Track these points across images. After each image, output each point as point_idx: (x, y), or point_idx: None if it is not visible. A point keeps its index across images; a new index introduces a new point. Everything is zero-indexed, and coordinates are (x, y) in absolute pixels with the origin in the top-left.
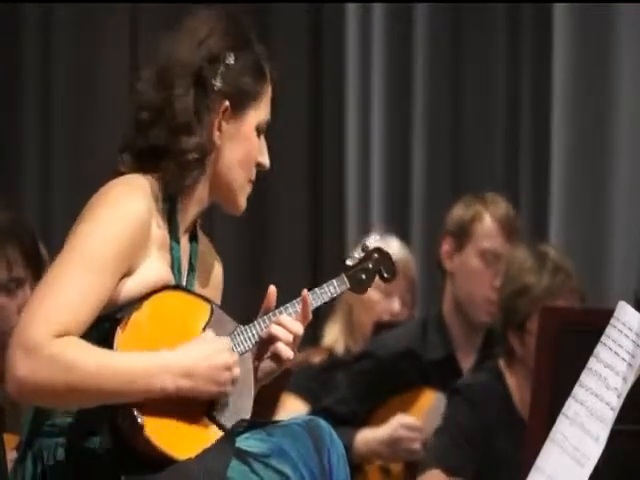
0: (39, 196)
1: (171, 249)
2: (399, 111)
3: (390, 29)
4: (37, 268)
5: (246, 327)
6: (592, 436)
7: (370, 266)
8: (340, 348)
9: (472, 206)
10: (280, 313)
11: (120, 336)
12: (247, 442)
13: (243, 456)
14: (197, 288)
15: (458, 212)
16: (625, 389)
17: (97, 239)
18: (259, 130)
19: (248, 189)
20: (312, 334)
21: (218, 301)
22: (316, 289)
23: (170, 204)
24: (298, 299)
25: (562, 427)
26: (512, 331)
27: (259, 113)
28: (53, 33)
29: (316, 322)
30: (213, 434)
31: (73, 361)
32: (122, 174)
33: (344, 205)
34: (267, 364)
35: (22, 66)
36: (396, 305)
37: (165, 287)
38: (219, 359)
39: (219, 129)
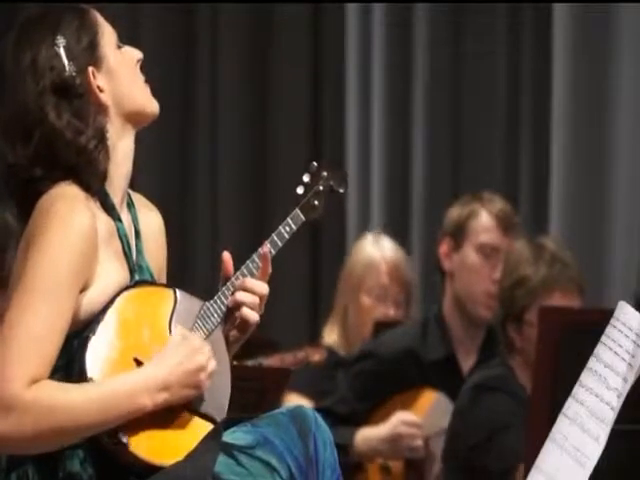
0: None
1: (117, 231)
2: (399, 111)
3: (390, 29)
4: None
5: (211, 302)
6: (592, 436)
7: (321, 188)
8: (339, 350)
9: (468, 205)
10: (242, 276)
11: (89, 358)
12: (232, 435)
13: (229, 449)
14: (146, 251)
15: (454, 212)
16: (625, 389)
17: (49, 267)
18: (118, 46)
19: (148, 90)
20: (311, 333)
21: (164, 253)
22: (273, 234)
23: (100, 192)
24: (254, 255)
25: (562, 427)
26: (510, 323)
27: (107, 38)
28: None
29: (316, 321)
30: (197, 426)
31: (53, 405)
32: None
33: (344, 205)
34: (234, 331)
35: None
36: (390, 310)
37: (124, 288)
38: (192, 363)
39: (101, 90)
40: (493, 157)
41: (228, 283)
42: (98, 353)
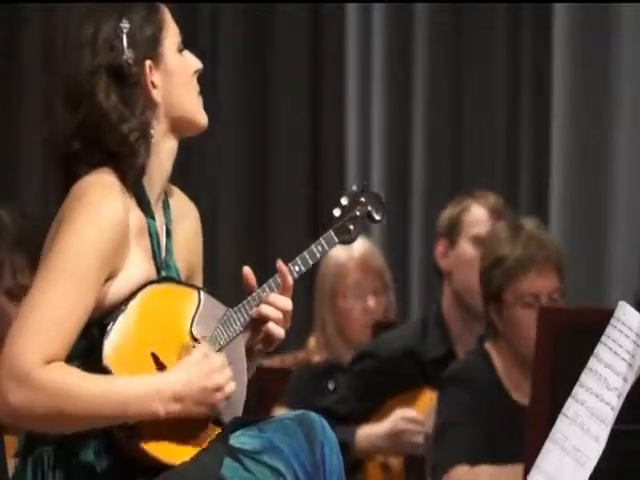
0: (39, 197)
1: (149, 228)
2: (399, 110)
3: (390, 29)
4: None
5: (235, 309)
6: (592, 436)
7: (358, 213)
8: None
9: (460, 203)
10: (269, 289)
11: (107, 345)
12: (239, 439)
13: (235, 453)
14: (176, 251)
15: (447, 212)
16: (625, 389)
17: (77, 250)
18: (179, 49)
19: (200, 101)
20: (311, 334)
21: (200, 249)
22: (304, 252)
23: (137, 186)
24: (279, 272)
25: (562, 427)
26: (490, 305)
27: (171, 39)
28: (53, 34)
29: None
30: (209, 430)
31: (66, 389)
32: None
33: None
34: (259, 344)
35: (22, 66)
36: (370, 302)
37: (149, 282)
38: (211, 382)
39: (154, 87)
40: (493, 157)
41: (254, 294)
42: (116, 342)
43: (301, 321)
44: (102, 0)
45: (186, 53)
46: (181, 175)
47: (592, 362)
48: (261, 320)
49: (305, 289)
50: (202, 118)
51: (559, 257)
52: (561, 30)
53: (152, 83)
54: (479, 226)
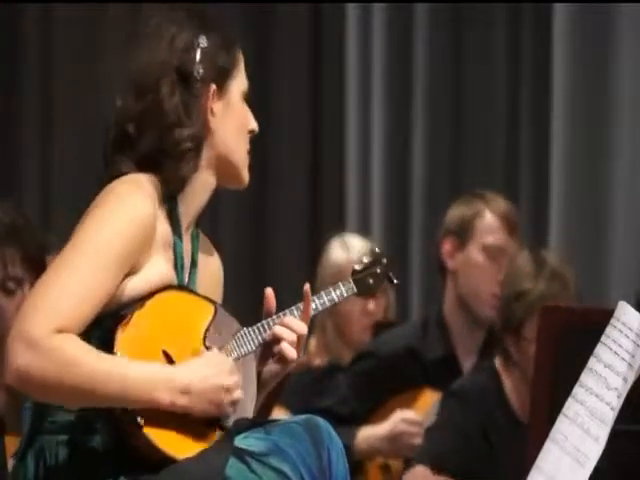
0: (39, 197)
1: (174, 246)
2: (399, 111)
3: (390, 29)
4: (39, 273)
5: (250, 329)
6: (592, 436)
7: (378, 271)
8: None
9: (472, 204)
10: (284, 315)
11: (120, 335)
12: (246, 441)
13: (241, 455)
14: (199, 284)
15: (458, 211)
16: (625, 389)
17: (103, 236)
18: (244, 98)
19: (247, 160)
20: (311, 334)
21: (219, 297)
22: (322, 292)
23: (171, 202)
24: (298, 304)
25: (562, 427)
26: (509, 335)
27: (240, 81)
28: (54, 32)
29: (315, 322)
30: (214, 435)
31: (71, 359)
32: (121, 175)
33: (344, 205)
34: (272, 366)
35: (22, 66)
36: (370, 304)
37: (168, 287)
38: (219, 380)
39: (212, 113)
40: (493, 157)
41: (269, 319)
42: (130, 334)
43: None
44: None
45: (248, 109)
46: None
47: (592, 362)
48: (274, 342)
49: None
50: (245, 175)
51: (579, 296)
52: (561, 30)
53: (211, 109)
54: (492, 236)
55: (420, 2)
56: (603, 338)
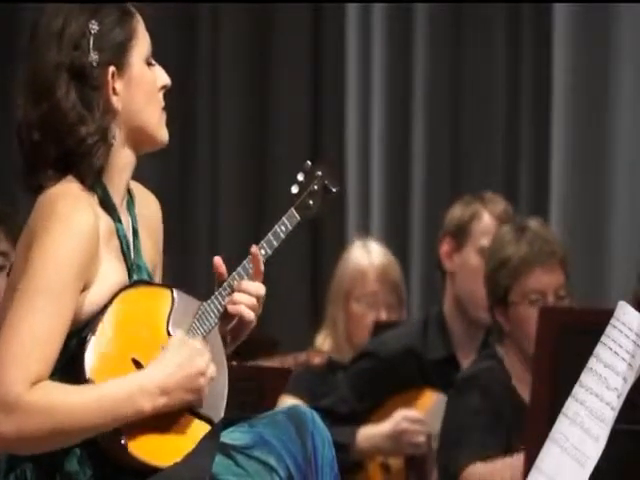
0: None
1: (117, 231)
2: (399, 111)
3: (390, 29)
4: None
5: (208, 302)
6: (592, 436)
7: (315, 187)
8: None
9: (470, 205)
10: (239, 277)
11: (88, 359)
12: (230, 435)
13: (227, 450)
14: (144, 250)
15: (456, 212)
16: (625, 389)
17: (51, 267)
18: (148, 62)
19: (164, 117)
20: (311, 334)
21: (160, 244)
22: (269, 234)
23: (100, 190)
24: (249, 257)
25: (562, 427)
26: (497, 307)
27: (140, 49)
28: None
29: (315, 322)
30: (195, 427)
31: (54, 406)
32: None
33: (344, 205)
34: (232, 332)
35: (23, 66)
36: (382, 314)
37: (122, 289)
38: (192, 368)
39: (115, 93)
40: (493, 157)
41: (225, 284)
42: (97, 353)
43: (304, 324)
44: (93, 0)
45: (156, 68)
46: (182, 176)
47: (592, 362)
48: (233, 308)
49: (310, 293)
50: (163, 134)
51: (563, 253)
52: (561, 30)
53: (114, 89)
54: (488, 237)
55: (420, 2)
56: (603, 338)
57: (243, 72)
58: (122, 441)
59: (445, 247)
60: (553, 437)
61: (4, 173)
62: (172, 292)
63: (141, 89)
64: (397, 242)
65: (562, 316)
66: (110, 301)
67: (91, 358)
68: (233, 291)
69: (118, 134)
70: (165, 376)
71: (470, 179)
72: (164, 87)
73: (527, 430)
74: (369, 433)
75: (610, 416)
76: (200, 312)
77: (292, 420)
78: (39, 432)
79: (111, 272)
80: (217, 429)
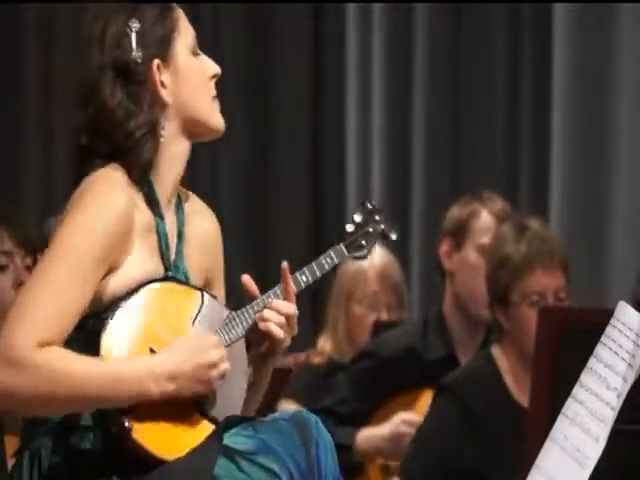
0: (39, 196)
1: (157, 227)
2: (399, 111)
3: (390, 29)
4: (27, 247)
5: (238, 313)
6: (592, 436)
7: (370, 229)
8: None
9: (469, 205)
10: (272, 296)
11: (105, 340)
12: (234, 439)
13: (230, 454)
14: (189, 256)
15: (455, 212)
16: (625, 389)
17: (80, 241)
18: (193, 52)
19: (216, 105)
20: (311, 334)
21: (219, 260)
22: (312, 263)
23: (145, 184)
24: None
25: (562, 427)
26: (497, 306)
27: (184, 40)
28: (54, 33)
29: (315, 322)
30: (204, 429)
31: (57, 371)
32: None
33: (344, 205)
34: (264, 349)
35: (23, 66)
36: (383, 315)
37: (152, 281)
38: (204, 358)
39: (163, 86)
40: (493, 157)
41: (258, 299)
42: (114, 337)
43: (306, 326)
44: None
45: (203, 57)
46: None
47: (592, 362)
48: (263, 325)
49: (311, 295)
50: (217, 121)
51: (563, 254)
52: (561, 30)
53: (161, 82)
54: (487, 236)
55: (420, 2)
56: (603, 338)
57: (243, 72)
58: (127, 424)
59: (444, 247)
60: (553, 437)
61: (7, 174)
62: (202, 295)
63: (189, 79)
64: (397, 242)
65: (562, 316)
66: (137, 289)
67: (108, 340)
68: (264, 308)
69: (169, 126)
70: (175, 363)
71: (470, 179)
72: (215, 76)
73: (527, 430)
74: (368, 435)
75: (610, 416)
76: (227, 320)
77: (297, 427)
78: (36, 392)
79: (142, 262)
80: (220, 430)
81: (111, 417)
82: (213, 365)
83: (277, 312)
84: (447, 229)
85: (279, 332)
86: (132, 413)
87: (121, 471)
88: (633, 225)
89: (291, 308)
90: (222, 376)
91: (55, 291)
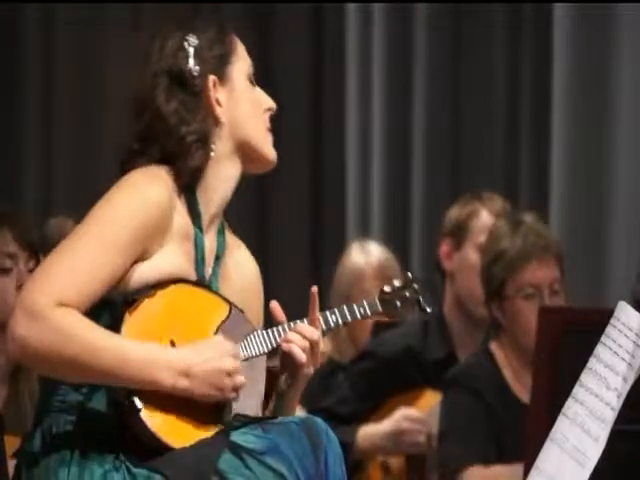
0: (39, 196)
1: (195, 238)
2: (399, 111)
3: (390, 29)
4: (31, 250)
5: (262, 332)
6: (592, 436)
7: (408, 295)
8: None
9: (468, 204)
10: (298, 323)
11: (128, 318)
12: (243, 437)
13: (238, 451)
14: (221, 280)
15: (455, 212)
16: (625, 389)
17: (115, 218)
18: (250, 80)
19: (270, 138)
20: None
21: (259, 307)
22: (344, 306)
23: (189, 193)
24: (318, 313)
25: (562, 427)
26: (492, 301)
27: (241, 66)
28: (54, 33)
29: None
30: (213, 429)
31: (71, 332)
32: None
33: (344, 205)
34: (286, 375)
35: (23, 66)
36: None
37: (183, 280)
38: (220, 363)
39: (219, 104)
40: (493, 157)
41: (284, 324)
42: (137, 319)
43: None
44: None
45: (258, 89)
46: None
47: (592, 362)
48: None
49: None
50: (270, 151)
51: (558, 247)
52: (561, 30)
53: (217, 100)
54: (486, 234)
55: (420, 2)
56: (603, 338)
57: None
58: (137, 404)
59: (444, 248)
60: (553, 437)
61: (7, 174)
62: (230, 307)
63: (245, 102)
64: (397, 242)
65: (562, 316)
66: (166, 283)
67: (131, 320)
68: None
69: (221, 145)
70: (192, 361)
71: (470, 179)
72: (270, 109)
73: (527, 430)
74: (369, 432)
75: (610, 416)
76: (251, 336)
77: (307, 432)
78: (49, 350)
79: (174, 261)
80: (228, 428)
81: (123, 395)
82: (229, 373)
83: (301, 335)
84: (447, 229)
85: (301, 355)
86: (147, 399)
87: (129, 451)
88: (633, 225)
89: (315, 334)
90: (236, 389)
91: (83, 257)
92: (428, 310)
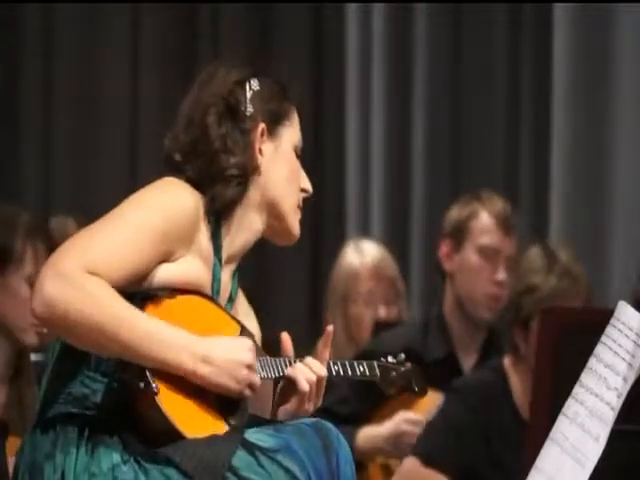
0: (39, 196)
1: (214, 267)
2: (399, 111)
3: (390, 29)
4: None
5: (273, 359)
6: (592, 436)
7: (402, 370)
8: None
9: (468, 205)
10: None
11: (149, 309)
12: (256, 435)
13: (251, 448)
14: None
15: (454, 213)
16: (625, 389)
17: (151, 210)
18: (296, 153)
19: (298, 214)
20: (311, 336)
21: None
22: (346, 361)
23: (215, 225)
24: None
25: (562, 427)
26: (517, 329)
27: (293, 134)
28: (54, 33)
29: (316, 324)
30: (223, 428)
31: (97, 298)
32: None
33: (344, 207)
34: (290, 404)
35: (23, 66)
36: (381, 311)
37: (202, 294)
38: (241, 355)
39: (261, 153)
40: (493, 157)
41: (291, 357)
42: (156, 314)
43: (305, 325)
44: None
45: (300, 166)
46: None
47: (592, 362)
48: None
49: (310, 294)
50: (295, 225)
51: (588, 291)
52: (561, 30)
53: (260, 149)
54: (486, 237)
55: (420, 2)
56: (603, 338)
57: None
58: (154, 386)
59: (444, 248)
60: (553, 437)
61: (7, 174)
62: (242, 329)
63: (286, 166)
64: (397, 242)
65: (562, 316)
66: (188, 291)
67: (150, 311)
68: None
69: (254, 194)
70: (214, 349)
71: (470, 179)
72: (305, 191)
73: (527, 430)
74: (369, 434)
75: (610, 416)
76: (260, 360)
77: (319, 433)
78: (77, 312)
79: (200, 272)
80: (241, 426)
81: (139, 376)
82: (247, 365)
83: (309, 368)
84: (446, 230)
85: (305, 385)
86: (162, 378)
87: (136, 443)
88: (633, 225)
89: (323, 371)
90: (251, 386)
91: (119, 235)
92: (416, 390)
